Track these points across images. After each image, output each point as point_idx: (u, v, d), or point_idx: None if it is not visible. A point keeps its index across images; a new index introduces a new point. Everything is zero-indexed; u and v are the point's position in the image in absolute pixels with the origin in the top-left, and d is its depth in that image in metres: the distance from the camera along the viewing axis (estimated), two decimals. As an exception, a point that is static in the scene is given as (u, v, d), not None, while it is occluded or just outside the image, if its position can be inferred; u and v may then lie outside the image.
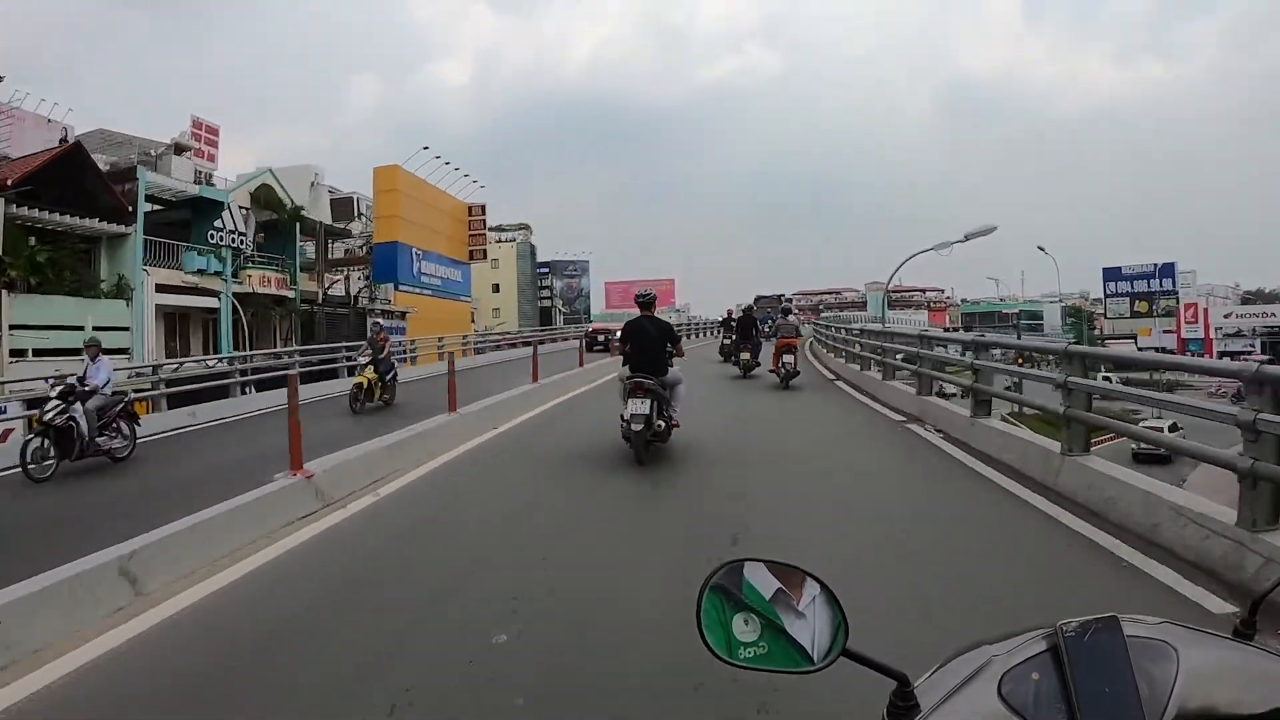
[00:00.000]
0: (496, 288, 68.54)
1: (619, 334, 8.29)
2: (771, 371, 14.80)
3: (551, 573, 4.44)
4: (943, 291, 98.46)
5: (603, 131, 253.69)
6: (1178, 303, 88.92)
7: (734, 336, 17.98)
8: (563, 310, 73.73)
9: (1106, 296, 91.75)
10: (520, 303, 67.16)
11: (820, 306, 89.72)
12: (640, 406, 7.25)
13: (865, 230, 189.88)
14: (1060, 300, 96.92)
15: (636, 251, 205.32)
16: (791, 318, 15.69)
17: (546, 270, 70.70)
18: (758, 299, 31.57)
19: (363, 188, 40.07)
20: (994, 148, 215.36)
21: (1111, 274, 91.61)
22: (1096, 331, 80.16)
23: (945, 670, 0.87)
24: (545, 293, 70.05)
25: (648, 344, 7.73)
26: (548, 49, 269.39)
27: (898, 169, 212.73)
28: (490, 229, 70.14)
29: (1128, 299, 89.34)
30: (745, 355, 16.25)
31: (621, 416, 7.48)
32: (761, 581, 0.95)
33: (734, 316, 19.61)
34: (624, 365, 7.94)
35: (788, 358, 14.35)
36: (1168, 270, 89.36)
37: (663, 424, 7.57)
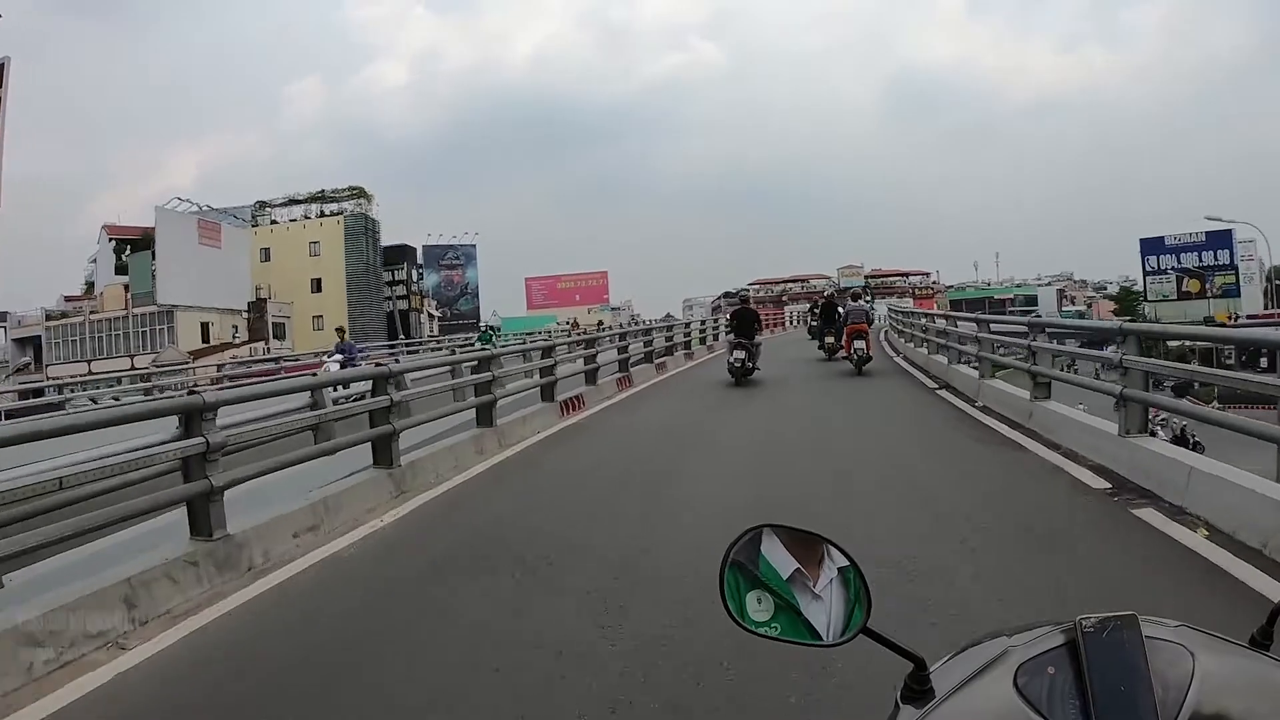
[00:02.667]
0: (318, 285, 47.84)
1: (729, 315, 16.84)
2: (844, 357, 15.44)
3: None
4: (928, 275, 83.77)
5: (547, 129, 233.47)
6: (1237, 278, 70.45)
7: (819, 322, 19.78)
8: (434, 313, 53.53)
9: (1146, 275, 73.17)
10: (353, 306, 46.54)
11: (784, 297, 75.07)
12: (740, 354, 13.72)
13: (825, 220, 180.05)
14: (1050, 283, 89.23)
15: (576, 248, 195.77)
16: (862, 303, 16.56)
17: (401, 258, 50.11)
18: (842, 289, 30.12)
19: None
20: (946, 136, 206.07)
21: (1152, 246, 72.94)
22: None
23: (962, 657, 0.88)
24: (398, 290, 49.60)
25: (745, 322, 14.17)
26: (491, 48, 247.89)
27: (853, 160, 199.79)
28: (312, 197, 49.61)
29: (1174, 276, 70.67)
30: (829, 339, 17.28)
31: (728, 361, 14.03)
32: (778, 558, 0.95)
33: (819, 303, 21.72)
34: (728, 334, 15.78)
35: (859, 343, 14.63)
36: (1223, 240, 70.67)
37: (751, 365, 13.79)
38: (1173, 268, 70.34)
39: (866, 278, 77.90)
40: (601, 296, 77.00)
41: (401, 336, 46.37)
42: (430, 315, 52.58)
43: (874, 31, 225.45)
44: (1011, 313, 69.05)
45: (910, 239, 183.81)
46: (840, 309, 17.34)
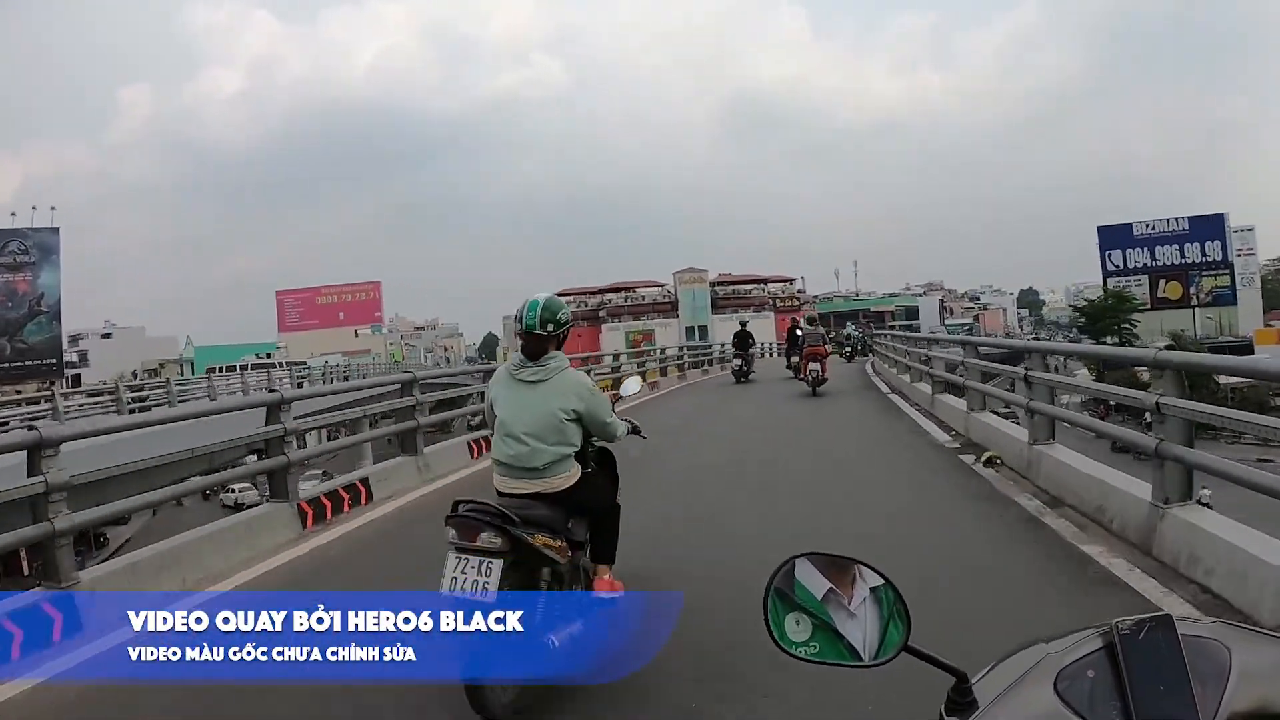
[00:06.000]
0: None
1: (732, 336, 20.73)
2: (800, 379, 16.33)
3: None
4: (791, 282, 65.44)
5: (383, 143, 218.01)
6: (1232, 279, 51.90)
7: (787, 344, 22.23)
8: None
9: (1107, 275, 53.87)
10: None
11: (603, 311, 54.97)
12: (738, 362, 19.19)
13: (665, 233, 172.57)
14: (925, 292, 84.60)
15: (397, 266, 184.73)
16: (819, 327, 17.87)
17: None
18: (809, 319, 22.82)
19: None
20: (784, 155, 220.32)
21: (1115, 238, 54.11)
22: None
23: (1002, 667, 0.89)
24: None
25: (743, 341, 19.44)
26: (332, 59, 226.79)
27: (697, 176, 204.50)
28: None
29: (1145, 277, 51.83)
30: (795, 359, 19.00)
31: (731, 369, 19.65)
32: (813, 581, 0.99)
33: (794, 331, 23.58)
34: (733, 346, 20.38)
35: (813, 365, 15.45)
36: (1212, 228, 51.97)
37: (748, 369, 19.06)
38: (1146, 265, 51.53)
39: (713, 284, 58.88)
40: (373, 314, 57.82)
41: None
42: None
43: (717, 51, 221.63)
44: (893, 327, 53.47)
45: (762, 249, 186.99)
46: (800, 333, 18.23)
